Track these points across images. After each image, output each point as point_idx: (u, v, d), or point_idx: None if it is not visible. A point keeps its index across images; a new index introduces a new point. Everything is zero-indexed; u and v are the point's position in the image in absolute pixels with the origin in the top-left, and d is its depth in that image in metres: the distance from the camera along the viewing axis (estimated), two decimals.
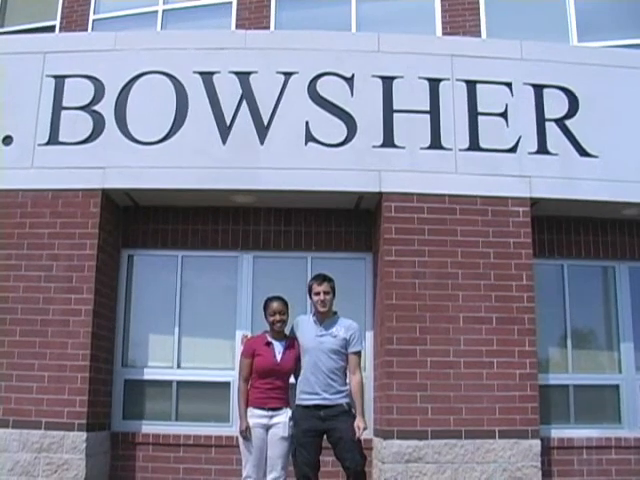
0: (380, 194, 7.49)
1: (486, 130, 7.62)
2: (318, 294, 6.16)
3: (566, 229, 8.16)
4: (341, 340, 6.09)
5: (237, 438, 6.21)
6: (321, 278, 6.25)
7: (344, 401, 6.01)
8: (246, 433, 6.00)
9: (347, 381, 6.11)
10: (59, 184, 7.49)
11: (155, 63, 7.71)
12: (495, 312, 7.27)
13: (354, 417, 5.99)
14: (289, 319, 6.28)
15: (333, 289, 6.23)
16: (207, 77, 7.67)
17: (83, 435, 7.01)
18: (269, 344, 6.17)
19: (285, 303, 6.25)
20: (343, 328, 6.14)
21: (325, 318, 6.18)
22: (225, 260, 8.11)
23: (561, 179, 7.57)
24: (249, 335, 6.50)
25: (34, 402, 7.07)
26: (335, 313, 6.28)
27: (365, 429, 5.97)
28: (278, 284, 7.46)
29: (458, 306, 7.26)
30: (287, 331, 6.30)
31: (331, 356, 6.05)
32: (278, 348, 6.16)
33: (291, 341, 6.22)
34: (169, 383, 7.88)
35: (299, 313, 6.59)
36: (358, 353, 6.19)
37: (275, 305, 6.20)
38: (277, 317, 6.16)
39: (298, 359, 6.16)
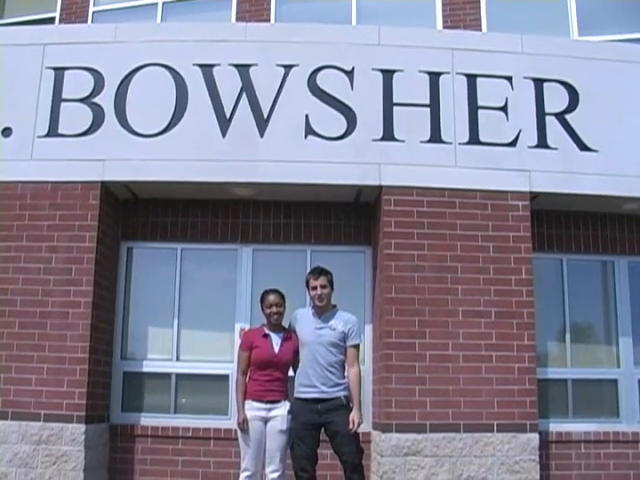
0: (380, 187, 7.49)
1: (486, 124, 7.62)
2: (315, 288, 6.15)
3: (565, 223, 8.16)
4: (340, 333, 6.08)
5: (236, 431, 6.23)
6: (317, 272, 6.24)
7: (342, 394, 6.01)
8: (243, 425, 6.02)
9: (345, 374, 6.12)
10: (58, 176, 7.48)
11: (155, 55, 7.70)
12: (494, 306, 7.27)
13: (351, 410, 6.00)
14: (287, 312, 6.29)
15: (330, 282, 6.22)
16: (207, 69, 7.66)
17: (82, 427, 7.02)
18: (266, 336, 6.18)
19: (282, 296, 6.26)
20: (342, 321, 6.14)
21: (324, 311, 6.18)
22: (224, 253, 8.11)
23: (561, 173, 7.57)
24: (247, 328, 6.51)
25: (33, 394, 7.08)
26: (334, 306, 6.28)
27: (360, 423, 5.97)
28: (277, 277, 7.47)
29: (457, 300, 7.26)
30: (285, 325, 6.31)
31: (330, 349, 6.04)
32: (276, 340, 6.17)
33: (289, 333, 6.23)
34: (168, 376, 7.88)
35: (298, 306, 6.59)
36: (356, 346, 6.18)
37: (271, 297, 6.21)
38: (274, 309, 6.17)
39: (296, 352, 6.16)
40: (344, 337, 6.09)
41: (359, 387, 6.12)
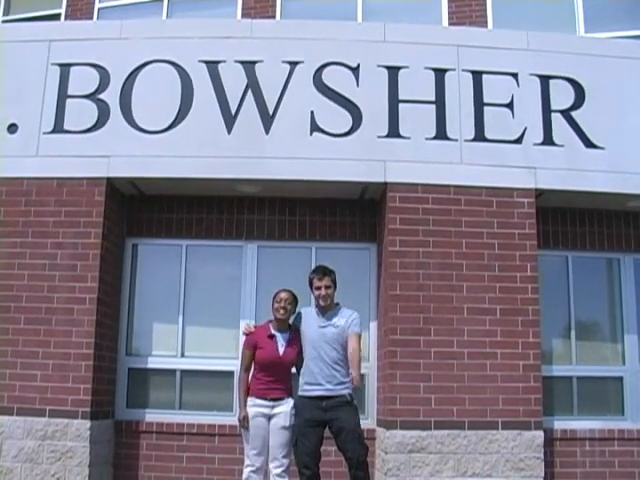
0: (385, 184, 7.48)
1: (492, 121, 7.60)
2: (319, 289, 6.17)
3: (571, 220, 8.14)
4: (342, 330, 6.09)
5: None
6: (321, 272, 6.24)
7: (346, 392, 6.02)
8: (244, 423, 6.05)
9: (349, 372, 6.11)
10: (64, 172, 7.49)
11: (160, 52, 7.70)
12: (499, 303, 7.26)
13: (356, 408, 6.02)
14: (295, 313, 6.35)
15: (334, 282, 6.24)
16: (212, 66, 7.65)
17: (87, 423, 7.04)
18: (272, 337, 6.19)
19: (294, 296, 6.28)
20: (344, 319, 6.15)
21: (327, 310, 6.20)
22: (229, 249, 8.11)
23: (566, 170, 7.55)
24: (252, 326, 6.49)
25: (38, 390, 7.10)
26: (337, 304, 6.30)
27: (358, 381, 5.96)
28: (282, 274, 7.50)
29: (462, 297, 7.25)
30: (290, 322, 6.33)
31: (334, 346, 6.06)
32: (281, 341, 6.19)
33: (294, 333, 6.24)
34: (173, 372, 7.89)
35: (302, 303, 6.57)
36: (356, 334, 6.12)
37: (283, 294, 6.24)
38: (282, 304, 6.18)
39: (301, 352, 6.19)
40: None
41: (358, 356, 6.04)
